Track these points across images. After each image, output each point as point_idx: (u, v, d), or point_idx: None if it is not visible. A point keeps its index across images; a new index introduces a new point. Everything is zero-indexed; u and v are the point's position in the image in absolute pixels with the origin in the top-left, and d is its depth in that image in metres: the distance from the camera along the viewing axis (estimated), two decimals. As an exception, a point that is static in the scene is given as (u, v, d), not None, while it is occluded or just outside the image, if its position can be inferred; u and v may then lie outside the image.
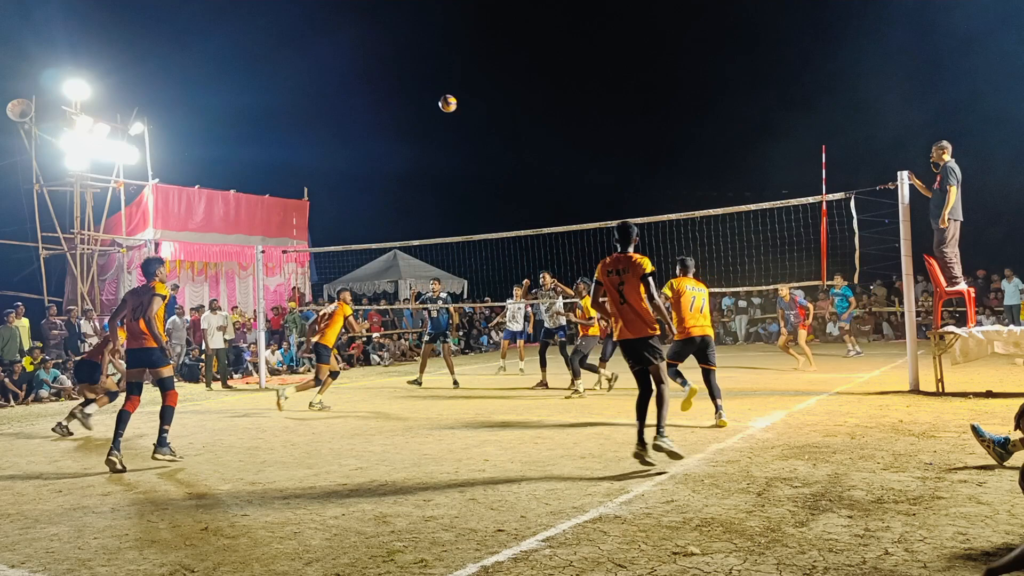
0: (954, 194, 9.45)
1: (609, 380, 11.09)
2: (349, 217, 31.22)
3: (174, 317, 17.72)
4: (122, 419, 6.86)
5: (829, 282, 14.09)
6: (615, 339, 6.47)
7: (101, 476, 6.44)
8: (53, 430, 8.93)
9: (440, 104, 11.74)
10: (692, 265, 8.38)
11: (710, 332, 8.10)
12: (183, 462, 6.95)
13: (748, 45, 32.79)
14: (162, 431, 7.06)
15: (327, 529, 4.54)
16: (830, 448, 6.26)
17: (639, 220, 12.71)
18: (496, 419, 8.91)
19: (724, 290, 15.80)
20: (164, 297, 7.09)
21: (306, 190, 23.87)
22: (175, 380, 7.51)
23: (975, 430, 5.54)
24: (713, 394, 7.89)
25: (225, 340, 15.55)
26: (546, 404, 10.18)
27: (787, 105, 29.66)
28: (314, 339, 10.75)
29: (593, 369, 11.09)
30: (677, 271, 8.36)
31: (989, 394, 8.99)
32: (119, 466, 6.57)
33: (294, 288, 22.47)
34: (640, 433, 5.93)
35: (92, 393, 9.15)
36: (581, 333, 11.16)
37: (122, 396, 7.96)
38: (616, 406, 9.53)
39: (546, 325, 12.64)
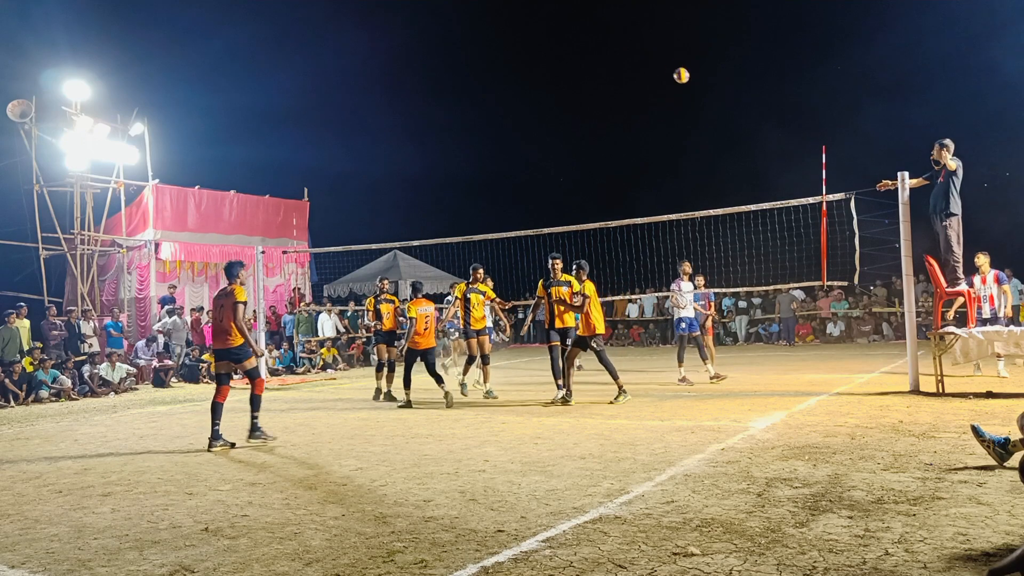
0: (957, 165, 9.40)
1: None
2: (349, 217, 31.23)
3: (175, 318, 17.74)
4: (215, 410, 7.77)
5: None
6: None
7: (101, 476, 6.44)
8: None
9: (675, 76, 12.23)
10: (422, 288, 10.70)
11: (432, 343, 10.65)
12: (185, 461, 6.95)
13: (749, 44, 32.80)
14: (253, 418, 7.95)
15: (327, 529, 4.54)
16: (830, 448, 6.26)
17: (639, 220, 12.75)
18: (496, 419, 8.90)
19: (725, 290, 15.81)
20: (245, 303, 7.85)
21: (306, 190, 23.87)
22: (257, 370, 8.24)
23: (975, 430, 5.53)
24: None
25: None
26: (546, 405, 10.17)
27: (787, 104, 29.68)
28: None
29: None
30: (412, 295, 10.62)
31: (989, 394, 8.98)
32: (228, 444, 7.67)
33: (294, 288, 22.46)
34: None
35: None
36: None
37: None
38: (616, 407, 9.54)
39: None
